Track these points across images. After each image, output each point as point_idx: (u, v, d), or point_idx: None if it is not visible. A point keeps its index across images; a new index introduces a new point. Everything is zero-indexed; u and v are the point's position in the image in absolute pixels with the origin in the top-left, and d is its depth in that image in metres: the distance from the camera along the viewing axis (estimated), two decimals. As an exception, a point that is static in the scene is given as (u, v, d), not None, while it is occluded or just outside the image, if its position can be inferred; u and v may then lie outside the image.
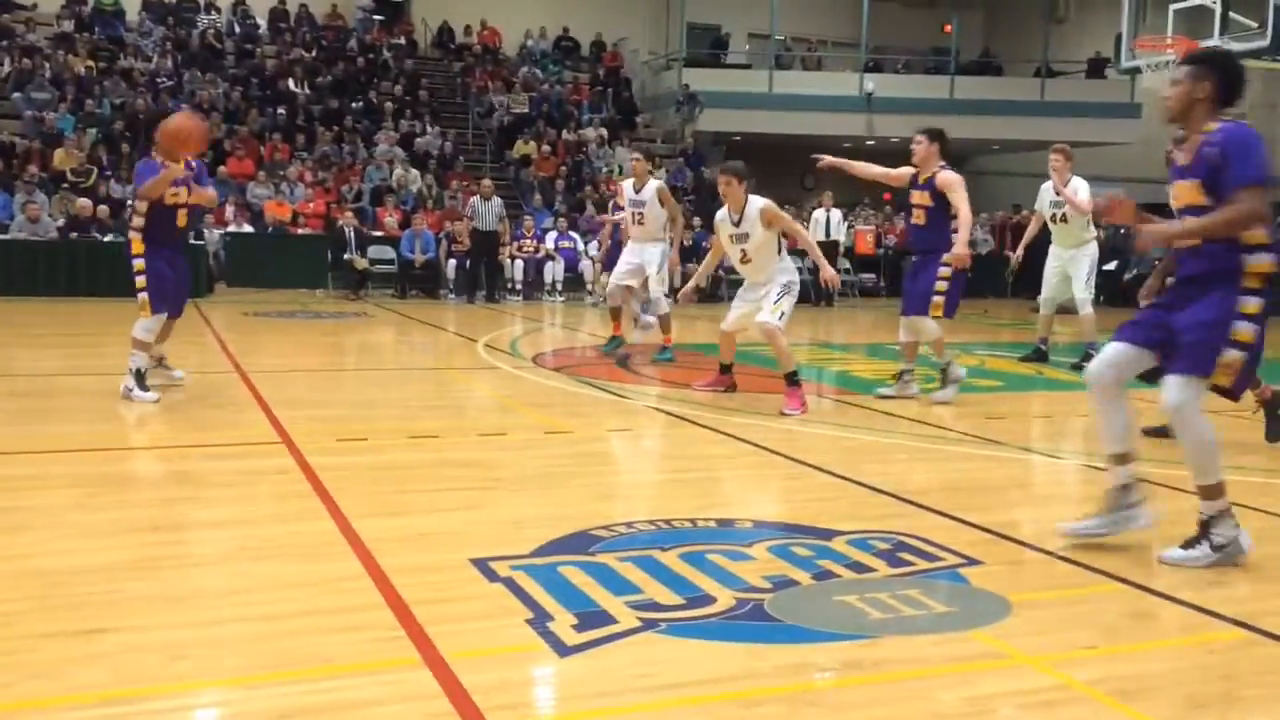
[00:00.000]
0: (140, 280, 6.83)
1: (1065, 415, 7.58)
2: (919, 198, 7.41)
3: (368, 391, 7.99)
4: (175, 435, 6.01)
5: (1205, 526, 3.90)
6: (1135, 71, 12.30)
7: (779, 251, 7.15)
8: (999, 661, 3.00)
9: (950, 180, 7.26)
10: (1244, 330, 3.78)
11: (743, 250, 7.14)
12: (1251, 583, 3.75)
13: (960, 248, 7.25)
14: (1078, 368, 9.26)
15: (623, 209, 9.90)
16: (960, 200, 7.22)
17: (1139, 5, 11.92)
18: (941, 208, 7.30)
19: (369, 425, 6.32)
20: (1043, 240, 9.92)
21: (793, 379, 6.94)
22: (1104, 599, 3.56)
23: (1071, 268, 9.51)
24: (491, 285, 16.76)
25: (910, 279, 7.70)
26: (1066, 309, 10.07)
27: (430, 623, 3.11)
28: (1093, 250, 9.53)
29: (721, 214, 7.27)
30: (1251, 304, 3.80)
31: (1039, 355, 9.91)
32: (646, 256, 9.33)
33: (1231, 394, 3.98)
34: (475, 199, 16.72)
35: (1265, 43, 10.74)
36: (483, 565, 3.64)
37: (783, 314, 6.98)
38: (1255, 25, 10.93)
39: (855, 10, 24.79)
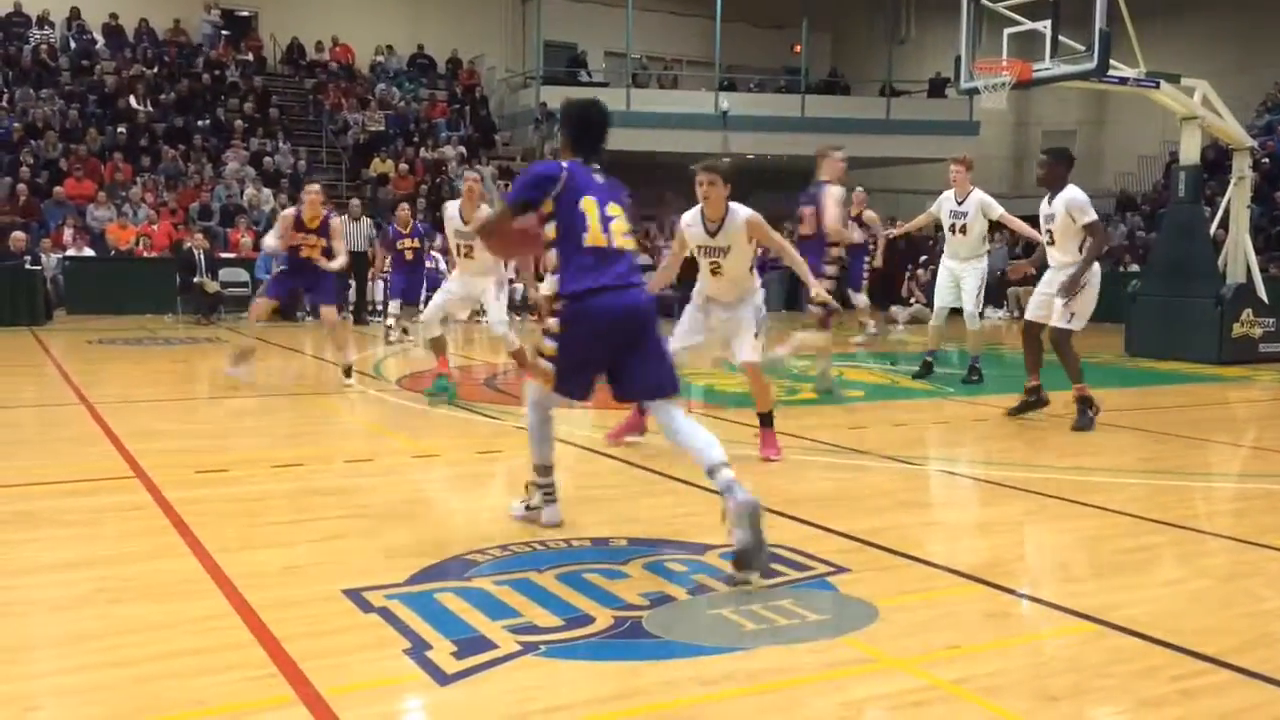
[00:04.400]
0: None
1: (922, 423, 7.87)
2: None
3: (225, 420, 7.74)
4: (16, 473, 5.69)
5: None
6: (974, 92, 12.85)
7: (752, 269, 6.26)
8: (869, 666, 3.11)
9: None
10: (553, 325, 4.25)
11: (715, 264, 6.16)
12: (1097, 578, 3.98)
13: None
14: (968, 381, 9.52)
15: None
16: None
17: (975, 29, 12.47)
18: None
19: (228, 456, 6.12)
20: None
21: (768, 420, 6.26)
22: (964, 600, 3.72)
23: (963, 280, 9.52)
24: (360, 307, 16.42)
25: None
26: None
27: (304, 658, 3.03)
28: (983, 264, 9.60)
29: (691, 218, 6.16)
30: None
31: (927, 368, 9.88)
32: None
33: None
34: (344, 219, 16.32)
35: (1093, 65, 11.38)
36: (356, 596, 3.57)
37: (762, 349, 6.34)
38: (1083, 49, 11.58)
39: (708, 30, 25.30)
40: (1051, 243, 7.48)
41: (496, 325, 8.49)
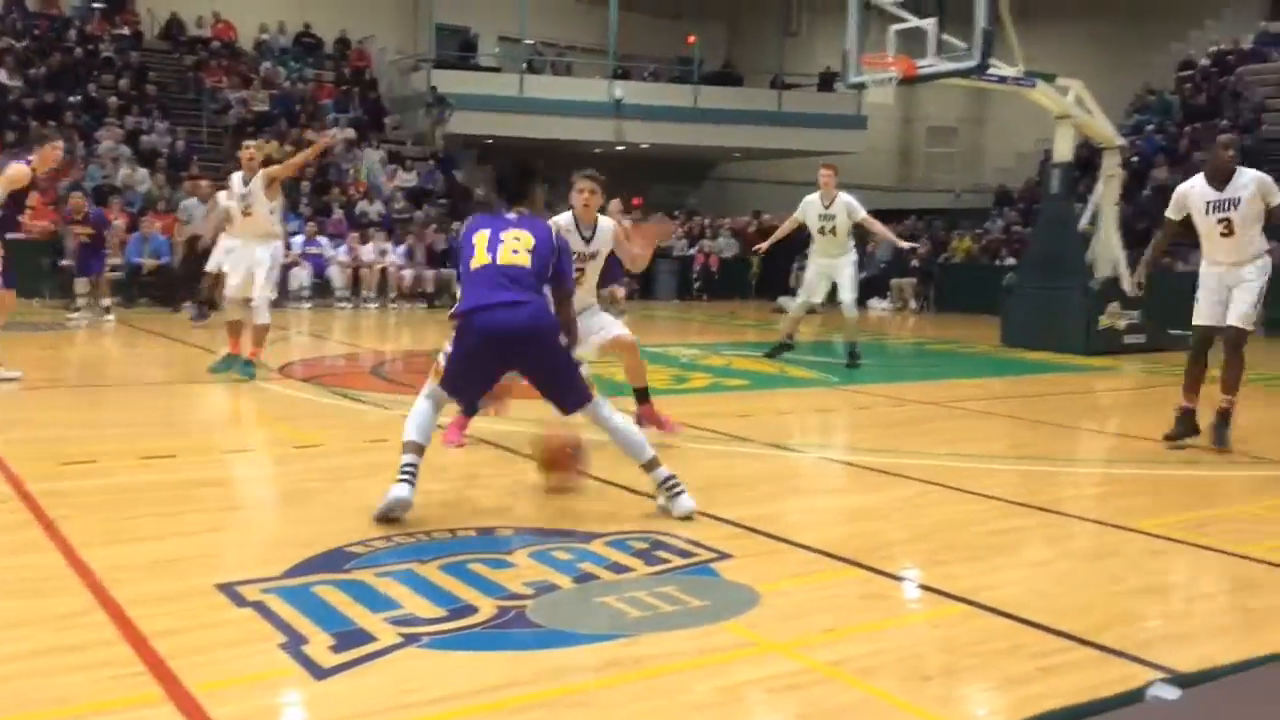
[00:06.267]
0: None
1: (806, 411, 8.02)
2: None
3: (93, 410, 7.44)
4: None
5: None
6: (861, 86, 13.11)
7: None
8: (749, 650, 3.16)
9: None
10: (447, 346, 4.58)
11: (580, 270, 5.95)
12: (969, 560, 4.11)
13: None
14: (850, 366, 9.92)
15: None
16: None
17: (863, 24, 12.71)
18: None
19: (96, 446, 5.88)
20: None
21: (644, 396, 6.38)
22: (842, 583, 3.81)
23: (836, 274, 9.91)
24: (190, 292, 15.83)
25: None
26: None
27: (173, 655, 2.94)
28: (854, 257, 10.09)
29: (566, 223, 5.95)
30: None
31: (784, 348, 10.31)
32: (257, 257, 8.40)
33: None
34: (190, 200, 15.77)
35: (974, 63, 11.72)
36: (230, 590, 3.47)
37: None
38: (965, 47, 11.91)
39: (603, 18, 25.26)
40: (1228, 234, 6.36)
41: (258, 298, 8.38)
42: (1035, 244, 13.74)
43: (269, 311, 8.41)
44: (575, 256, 5.85)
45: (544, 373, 4.62)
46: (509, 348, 4.49)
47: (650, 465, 4.62)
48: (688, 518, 4.49)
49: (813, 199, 9.89)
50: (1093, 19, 25.12)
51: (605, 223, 6.11)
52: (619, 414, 4.75)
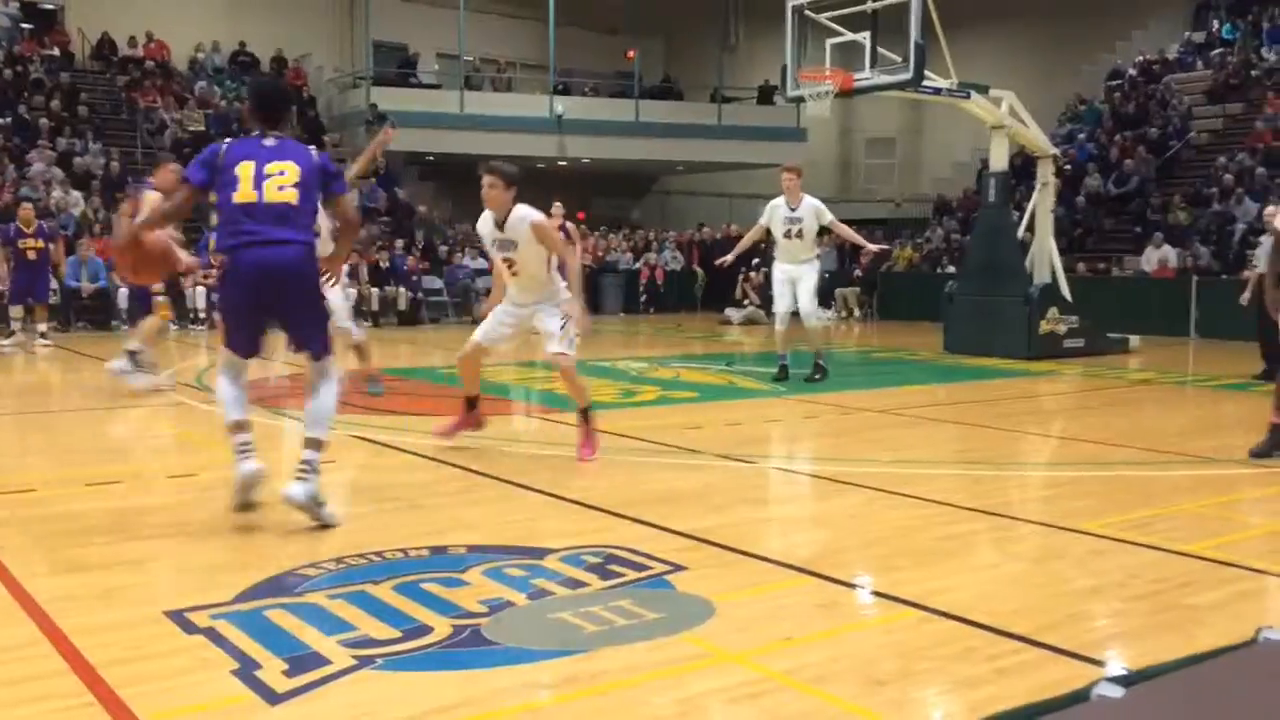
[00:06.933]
0: None
1: (755, 421, 8.07)
2: None
3: (33, 436, 7.28)
4: None
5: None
6: (800, 100, 13.26)
7: (550, 270, 6.27)
8: (706, 661, 3.17)
9: None
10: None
11: (508, 260, 6.21)
12: (920, 565, 4.17)
13: None
14: (810, 380, 9.79)
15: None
16: None
17: (800, 38, 12.86)
18: None
19: (37, 474, 5.76)
20: (741, 256, 10.39)
21: (587, 415, 6.33)
22: (796, 592, 3.84)
23: (798, 282, 9.76)
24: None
25: None
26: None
27: (123, 685, 2.89)
28: (818, 265, 9.93)
29: (483, 216, 6.28)
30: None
31: (784, 372, 9.98)
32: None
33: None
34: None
35: (909, 76, 11.91)
36: (179, 617, 3.42)
37: (571, 341, 6.29)
38: (900, 60, 12.10)
39: (542, 34, 25.26)
40: None
41: (341, 321, 8.41)
42: (974, 252, 13.97)
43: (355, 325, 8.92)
44: (495, 244, 6.23)
45: (300, 314, 4.65)
46: (274, 286, 4.50)
47: (312, 444, 4.63)
48: (293, 502, 4.50)
49: (778, 203, 9.71)
50: (1023, 31, 25.66)
51: (521, 212, 6.06)
52: (337, 386, 4.86)
